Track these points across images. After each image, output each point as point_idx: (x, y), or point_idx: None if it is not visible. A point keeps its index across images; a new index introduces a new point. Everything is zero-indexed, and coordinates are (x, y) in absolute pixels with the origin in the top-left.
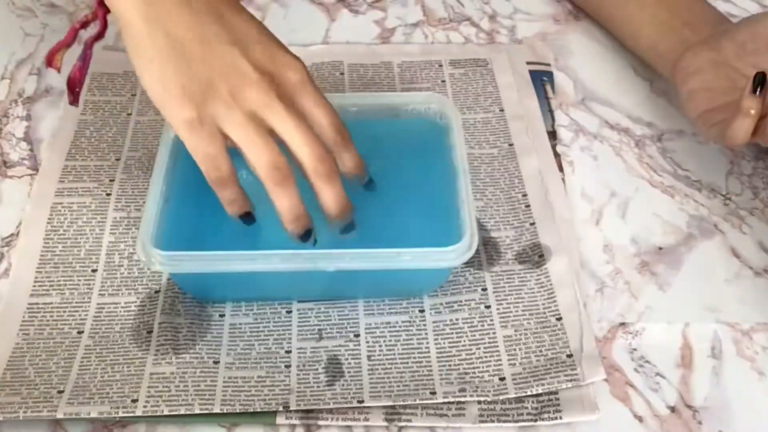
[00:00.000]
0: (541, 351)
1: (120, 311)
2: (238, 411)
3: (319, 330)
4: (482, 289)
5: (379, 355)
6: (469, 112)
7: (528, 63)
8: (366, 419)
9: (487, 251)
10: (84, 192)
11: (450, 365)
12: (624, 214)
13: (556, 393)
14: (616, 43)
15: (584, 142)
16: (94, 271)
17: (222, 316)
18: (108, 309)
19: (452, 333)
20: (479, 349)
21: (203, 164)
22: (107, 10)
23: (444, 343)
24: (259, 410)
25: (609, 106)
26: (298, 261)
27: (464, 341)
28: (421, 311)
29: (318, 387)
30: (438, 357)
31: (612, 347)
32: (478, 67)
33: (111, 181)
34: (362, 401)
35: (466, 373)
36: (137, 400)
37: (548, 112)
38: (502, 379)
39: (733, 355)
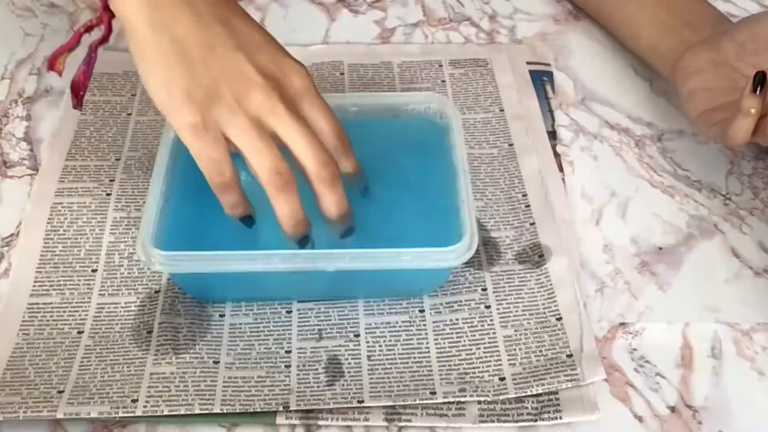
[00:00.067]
0: (541, 351)
1: (120, 311)
2: (238, 411)
3: (319, 330)
4: (482, 289)
5: (379, 355)
6: (469, 112)
7: (528, 63)
8: (366, 419)
9: (487, 251)
10: (84, 192)
11: (450, 365)
12: (624, 214)
13: (556, 393)
14: (616, 43)
15: (584, 142)
16: (94, 271)
17: (222, 316)
18: (108, 309)
19: (452, 333)
20: (479, 349)
21: (206, 169)
22: (112, 15)
23: (444, 343)
24: (259, 410)
25: (609, 106)
26: (298, 261)
27: (464, 341)
28: (421, 311)
29: (318, 387)
30: (438, 357)
31: (612, 347)
32: (478, 67)
33: (111, 181)
34: (362, 401)
35: (466, 373)
36: (137, 400)
37: (548, 112)
38: (502, 379)
39: (733, 355)
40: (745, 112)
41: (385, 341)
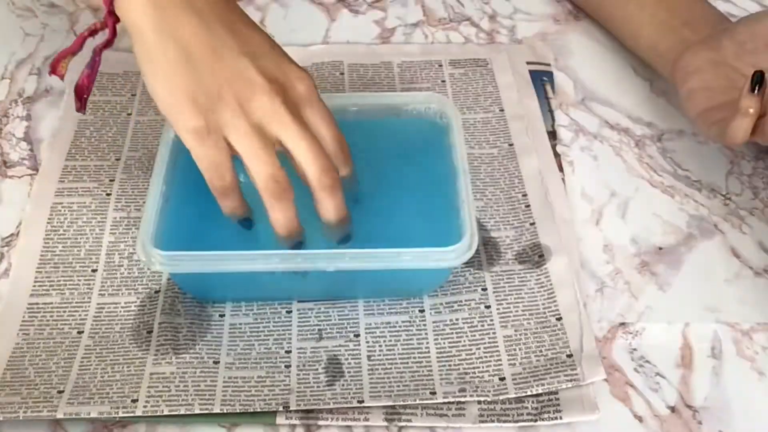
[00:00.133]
0: (541, 351)
1: (120, 311)
2: (238, 411)
3: (319, 330)
4: (482, 289)
5: (379, 355)
6: (469, 112)
7: (528, 63)
8: (366, 419)
9: (487, 251)
10: (84, 192)
11: (450, 365)
12: (624, 214)
13: (556, 393)
14: (616, 43)
15: (584, 142)
16: (94, 271)
17: (222, 316)
18: (108, 309)
19: (452, 333)
20: (479, 349)
21: (208, 173)
22: (117, 19)
23: (444, 343)
24: (259, 410)
25: (609, 106)
26: (298, 261)
27: (464, 341)
28: (421, 311)
29: (318, 387)
30: (438, 357)
31: (612, 347)
32: (478, 67)
33: (111, 181)
34: (362, 401)
35: (466, 373)
36: (137, 400)
37: (548, 112)
38: (502, 379)
39: (733, 355)
40: (744, 111)
41: (385, 341)
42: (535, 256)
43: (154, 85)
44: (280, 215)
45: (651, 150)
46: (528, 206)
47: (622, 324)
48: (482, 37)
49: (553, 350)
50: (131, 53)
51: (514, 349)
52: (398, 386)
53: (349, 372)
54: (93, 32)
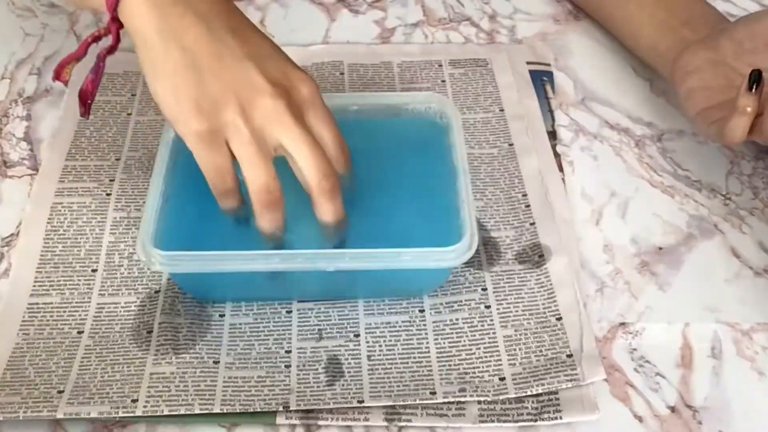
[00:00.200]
0: (541, 351)
1: (120, 311)
2: (238, 411)
3: (319, 330)
4: (482, 289)
5: (379, 355)
6: (469, 112)
7: (528, 63)
8: (366, 419)
9: (487, 251)
10: (84, 192)
11: (450, 365)
12: (624, 214)
13: (556, 393)
14: (616, 43)
15: (584, 142)
16: (94, 271)
17: (222, 316)
18: (108, 309)
19: (452, 333)
20: (479, 349)
21: (210, 176)
22: (120, 25)
23: (444, 343)
24: (259, 410)
25: (609, 106)
26: (298, 261)
27: (464, 341)
28: (421, 311)
29: (318, 387)
30: (438, 357)
31: (612, 347)
32: (478, 67)
33: (111, 181)
34: (362, 401)
35: (466, 373)
36: (137, 400)
37: (548, 112)
38: (502, 379)
39: (733, 355)
40: (741, 110)
41: (385, 341)
42: (535, 256)
43: (157, 89)
44: (267, 224)
45: (651, 150)
46: (528, 206)
47: (622, 324)
48: (482, 37)
49: (553, 350)
50: (131, 53)
51: (514, 349)
52: (398, 386)
53: (349, 372)
54: (97, 38)
